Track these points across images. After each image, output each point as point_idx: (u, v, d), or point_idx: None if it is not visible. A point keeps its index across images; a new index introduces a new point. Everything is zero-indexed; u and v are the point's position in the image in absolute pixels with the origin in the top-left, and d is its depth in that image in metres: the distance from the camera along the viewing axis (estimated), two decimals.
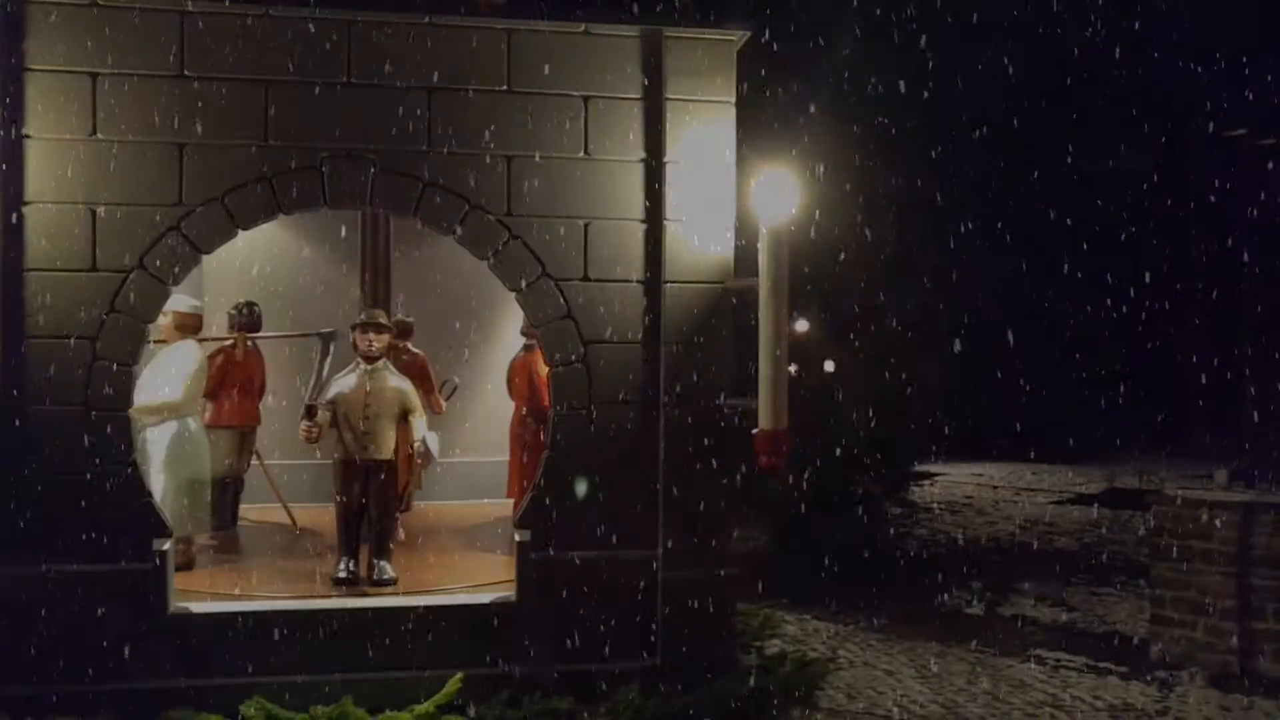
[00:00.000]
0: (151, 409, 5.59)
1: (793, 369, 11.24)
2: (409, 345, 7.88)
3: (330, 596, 5.24)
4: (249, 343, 7.02)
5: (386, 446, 5.53)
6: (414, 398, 5.65)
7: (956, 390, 14.37)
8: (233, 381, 6.90)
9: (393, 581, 5.42)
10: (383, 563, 5.49)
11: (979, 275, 16.29)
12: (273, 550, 6.49)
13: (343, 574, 5.45)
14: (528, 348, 7.10)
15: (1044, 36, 17.32)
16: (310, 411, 5.49)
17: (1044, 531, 12.46)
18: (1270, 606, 6.79)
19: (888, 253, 12.01)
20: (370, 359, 5.57)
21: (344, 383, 5.57)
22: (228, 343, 6.92)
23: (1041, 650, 7.63)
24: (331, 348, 6.94)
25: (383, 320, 5.66)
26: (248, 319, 6.99)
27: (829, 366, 11.78)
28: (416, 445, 5.61)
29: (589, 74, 5.22)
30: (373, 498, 5.51)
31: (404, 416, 5.60)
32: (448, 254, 7.09)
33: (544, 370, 6.50)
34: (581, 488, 5.17)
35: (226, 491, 6.97)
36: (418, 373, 7.85)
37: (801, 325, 12.10)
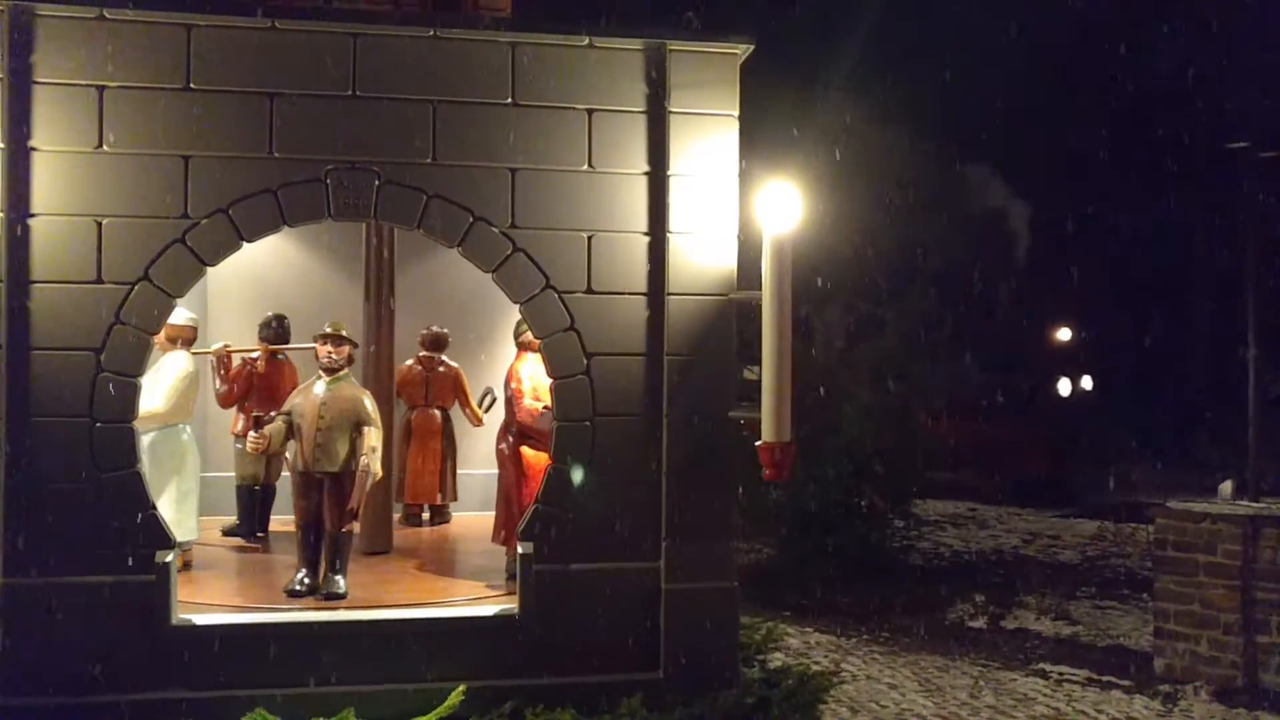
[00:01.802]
0: (139, 418, 5.63)
1: (1065, 385, 10.71)
2: (443, 357, 7.85)
3: (333, 609, 5.22)
4: (278, 354, 7.08)
5: (337, 458, 5.44)
6: (368, 410, 5.52)
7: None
8: (258, 392, 6.96)
9: (343, 596, 5.35)
10: (335, 577, 5.41)
11: (982, 285, 16.31)
12: (288, 560, 6.47)
13: (297, 586, 5.41)
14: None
15: (1045, 43, 17.36)
16: (258, 423, 5.51)
17: (1047, 544, 12.45)
18: (1275, 620, 6.77)
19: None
20: (330, 370, 5.56)
21: (303, 394, 5.58)
22: (253, 354, 7.00)
23: (1045, 664, 7.62)
24: None
25: (344, 332, 5.63)
26: (276, 331, 7.06)
27: (1086, 384, 11.09)
28: (362, 459, 5.41)
29: (593, 87, 5.23)
30: (326, 510, 5.47)
31: (358, 428, 5.49)
32: (454, 264, 7.09)
33: (517, 380, 6.39)
34: (584, 499, 5.16)
35: (254, 500, 7.01)
36: (452, 385, 7.82)
37: (1064, 334, 11.34)
